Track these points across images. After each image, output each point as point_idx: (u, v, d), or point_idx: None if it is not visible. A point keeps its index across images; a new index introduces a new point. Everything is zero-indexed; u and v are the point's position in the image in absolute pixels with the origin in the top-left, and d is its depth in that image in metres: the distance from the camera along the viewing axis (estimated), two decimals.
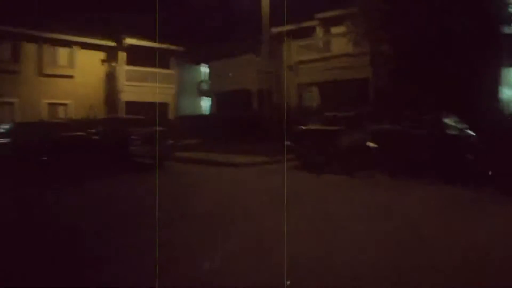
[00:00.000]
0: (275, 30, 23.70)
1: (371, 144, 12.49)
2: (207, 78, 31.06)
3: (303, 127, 14.30)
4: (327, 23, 22.21)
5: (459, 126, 12.19)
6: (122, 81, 24.89)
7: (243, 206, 8.61)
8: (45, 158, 12.26)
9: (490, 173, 10.34)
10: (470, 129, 11.89)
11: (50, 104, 23.80)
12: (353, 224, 7.12)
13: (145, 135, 14.33)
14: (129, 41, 25.12)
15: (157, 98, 26.40)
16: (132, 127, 14.58)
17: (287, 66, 24.42)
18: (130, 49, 25.30)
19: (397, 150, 11.93)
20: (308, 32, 22.49)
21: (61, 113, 24.15)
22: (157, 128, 15.14)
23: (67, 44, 24.19)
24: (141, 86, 25.60)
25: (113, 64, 25.56)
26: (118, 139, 14.09)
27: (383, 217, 7.66)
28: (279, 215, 7.24)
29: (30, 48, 23.21)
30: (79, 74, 24.51)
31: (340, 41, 20.77)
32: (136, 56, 25.43)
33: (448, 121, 12.43)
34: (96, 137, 14.54)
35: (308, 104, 22.89)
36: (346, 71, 20.02)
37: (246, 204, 8.83)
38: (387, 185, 10.98)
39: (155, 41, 26.07)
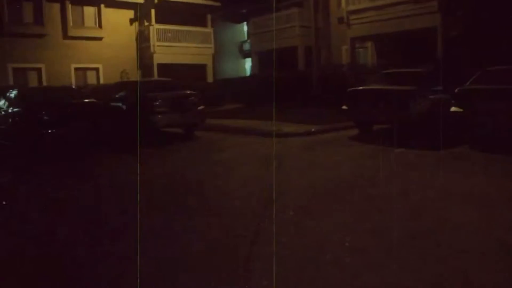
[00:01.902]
0: None
1: (455, 109, 9.54)
2: None
3: (362, 88, 11.38)
4: None
5: None
6: (154, 42, 22.40)
7: (297, 191, 6.07)
8: (51, 131, 9.99)
9: None
10: None
11: (78, 69, 21.74)
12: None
13: (171, 100, 11.86)
14: None
15: (193, 60, 23.89)
16: (156, 91, 12.10)
17: (337, 18, 21.25)
18: (161, 6, 22.67)
19: (493, 116, 8.95)
20: None
21: (90, 78, 22.10)
22: (186, 92, 12.68)
23: (93, 2, 21.84)
24: (175, 46, 23.04)
25: (144, 23, 23.08)
26: (137, 105, 11.69)
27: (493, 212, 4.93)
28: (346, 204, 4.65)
29: (53, 9, 21.04)
30: (108, 35, 22.22)
31: None
32: (168, 14, 22.81)
33: None
34: (114, 104, 12.23)
35: (363, 61, 19.81)
36: (408, 20, 16.72)
37: (302, 189, 6.27)
38: (482, 163, 8.09)
39: None
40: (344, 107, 11.40)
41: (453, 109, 9.56)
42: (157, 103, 11.63)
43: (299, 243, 4.45)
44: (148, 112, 11.54)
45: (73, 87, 13.05)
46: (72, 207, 6.21)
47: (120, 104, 12.41)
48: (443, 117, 10.13)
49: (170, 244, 4.51)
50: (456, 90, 9.69)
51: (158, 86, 12.76)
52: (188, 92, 12.65)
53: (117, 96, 12.78)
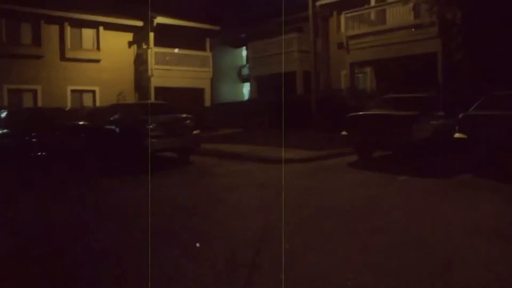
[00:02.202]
0: (320, 3, 20.32)
1: (459, 135, 9.16)
2: None
3: (362, 113, 11.01)
4: None
5: None
6: (151, 65, 22.14)
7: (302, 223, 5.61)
8: (40, 153, 9.56)
9: None
10: None
11: (75, 91, 21.42)
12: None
13: (165, 124, 11.48)
14: (159, 20, 22.30)
15: (191, 83, 23.62)
16: (150, 114, 11.71)
17: (336, 43, 21.06)
18: (160, 29, 22.50)
19: (499, 143, 8.56)
20: (358, 3, 18.94)
21: (87, 100, 21.77)
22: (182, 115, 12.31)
23: (91, 25, 21.67)
24: (173, 70, 22.78)
25: (142, 46, 22.88)
26: (129, 129, 11.32)
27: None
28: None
29: (51, 30, 20.85)
30: (105, 58, 21.99)
31: (396, 10, 17.26)
32: (167, 37, 22.63)
33: None
34: (107, 127, 11.83)
35: (363, 86, 19.53)
36: (408, 45, 16.49)
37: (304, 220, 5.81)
38: (489, 192, 7.66)
39: (187, 20, 23.34)
40: (343, 132, 11.02)
41: (457, 135, 9.19)
42: (151, 126, 11.23)
43: (295, 281, 3.99)
44: (141, 135, 11.17)
45: (66, 109, 12.61)
46: (52, 235, 5.74)
47: (113, 127, 12.02)
48: (446, 144, 9.76)
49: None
50: (460, 116, 9.33)
51: (152, 109, 12.35)
52: (183, 115, 12.28)
53: (110, 119, 12.41)
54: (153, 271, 4.20)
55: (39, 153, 9.35)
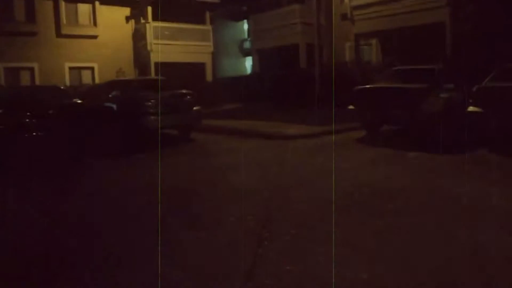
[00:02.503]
0: None
1: (474, 109, 8.66)
2: None
3: (369, 86, 10.48)
4: None
5: None
6: (150, 40, 21.50)
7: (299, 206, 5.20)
8: (35, 134, 9.11)
9: None
10: None
11: (73, 68, 20.86)
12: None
13: (164, 100, 10.99)
14: None
15: (191, 58, 23.00)
16: (149, 91, 11.24)
17: (340, 14, 20.37)
18: (158, 3, 21.76)
19: None
20: None
21: (86, 77, 21.21)
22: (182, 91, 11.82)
23: None
24: (172, 44, 22.13)
25: (140, 20, 22.19)
26: (126, 106, 10.85)
27: None
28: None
29: (46, 6, 20.15)
30: (103, 33, 21.31)
31: None
32: (166, 11, 21.91)
33: None
34: (104, 105, 11.35)
35: (368, 59, 18.90)
36: (415, 15, 15.85)
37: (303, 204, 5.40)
38: (507, 169, 7.21)
39: None
40: (350, 107, 10.53)
41: (471, 109, 8.69)
42: (149, 103, 10.77)
43: (297, 271, 3.58)
44: (139, 113, 10.72)
45: (61, 87, 12.08)
46: (48, 223, 5.35)
47: (110, 104, 11.53)
48: (458, 117, 9.29)
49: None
50: (474, 89, 8.81)
51: (150, 85, 11.88)
52: (183, 91, 11.79)
53: (107, 96, 11.93)
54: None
55: (33, 134, 8.87)
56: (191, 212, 5.43)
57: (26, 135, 9.18)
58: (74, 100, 10.60)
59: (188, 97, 11.57)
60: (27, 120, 9.12)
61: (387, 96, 9.83)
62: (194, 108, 11.52)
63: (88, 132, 9.41)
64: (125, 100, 11.24)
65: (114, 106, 11.42)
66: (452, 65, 11.94)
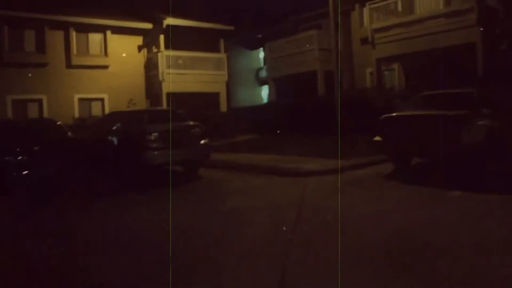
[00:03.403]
0: None
1: None
2: None
3: (398, 114, 9.14)
4: None
5: None
6: (162, 69, 20.56)
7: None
8: (16, 174, 7.98)
9: None
10: None
11: (82, 100, 19.99)
12: None
13: (168, 133, 9.81)
14: (169, 21, 20.72)
15: (205, 88, 21.96)
16: (151, 123, 10.09)
17: (360, 39, 19.20)
18: (171, 31, 20.91)
19: None
20: None
21: (96, 109, 20.30)
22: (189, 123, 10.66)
23: (98, 29, 20.19)
24: (185, 74, 21.16)
25: (152, 49, 21.35)
26: (126, 140, 9.71)
27: None
28: None
29: (56, 36, 19.46)
30: (114, 63, 20.49)
31: None
32: (179, 40, 21.05)
33: None
34: (105, 139, 10.23)
35: (390, 85, 17.59)
36: (441, 36, 14.54)
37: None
38: None
39: (199, 21, 21.75)
40: (376, 138, 9.18)
41: None
42: (151, 137, 9.60)
43: None
44: (140, 147, 9.55)
45: (56, 121, 10.99)
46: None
47: (110, 138, 10.40)
48: (503, 148, 7.89)
49: None
50: None
51: (154, 116, 10.73)
52: (190, 123, 10.62)
53: (108, 129, 10.80)
54: None
55: (14, 174, 7.74)
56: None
57: (13, 174, 8.06)
58: (68, 134, 9.46)
59: (196, 129, 10.37)
60: (10, 158, 8.01)
61: (419, 125, 8.49)
62: (202, 141, 10.30)
63: (77, 170, 8.24)
64: (125, 133, 10.08)
65: (115, 140, 10.30)
66: (487, 89, 10.53)
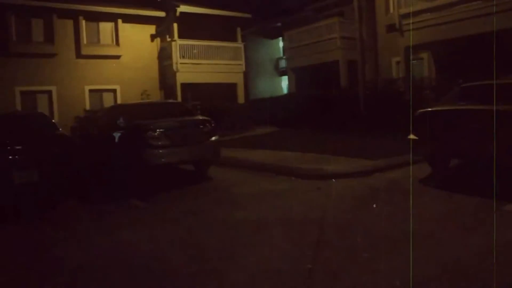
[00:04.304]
0: None
1: None
2: None
3: (438, 109, 7.76)
4: None
5: None
6: (177, 59, 19.38)
7: None
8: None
9: None
10: None
11: (93, 91, 18.98)
12: None
13: (174, 129, 8.64)
14: (183, 9, 19.50)
15: (221, 78, 20.72)
16: (155, 117, 8.90)
17: (385, 26, 17.68)
18: (185, 19, 19.69)
19: None
20: None
21: (107, 100, 19.25)
22: (197, 117, 9.46)
23: (109, 18, 19.10)
24: (200, 64, 19.94)
25: (166, 39, 20.17)
26: (126, 137, 8.56)
27: None
28: None
29: (65, 26, 18.44)
30: (126, 53, 19.42)
31: None
32: (193, 28, 19.84)
33: None
34: (104, 135, 9.12)
35: (419, 76, 16.05)
36: (479, 21, 12.98)
37: None
38: None
39: (214, 8, 20.48)
40: (411, 136, 7.82)
41: None
42: (154, 133, 8.41)
43: None
44: (141, 145, 8.39)
45: (46, 115, 9.92)
46: None
47: (112, 135, 9.26)
48: None
49: None
50: None
51: (160, 110, 9.55)
52: (199, 118, 9.42)
53: (110, 124, 9.66)
54: None
55: None
56: None
57: None
58: (59, 131, 8.32)
59: (205, 124, 9.14)
60: None
61: (464, 121, 7.10)
62: (212, 138, 9.06)
63: (67, 174, 7.11)
64: (126, 129, 8.92)
65: (116, 137, 9.16)
66: None
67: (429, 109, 7.80)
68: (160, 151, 8.43)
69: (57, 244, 5.42)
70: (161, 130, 8.49)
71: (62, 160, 7.26)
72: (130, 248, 5.09)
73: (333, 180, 8.08)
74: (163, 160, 8.44)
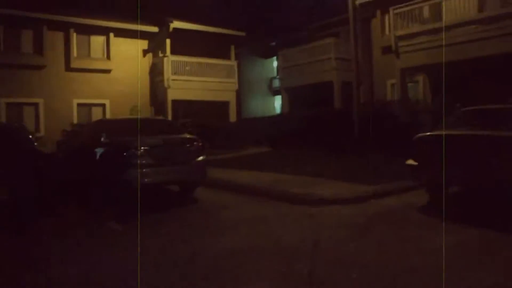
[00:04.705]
0: (360, 1, 16.75)
1: None
2: None
3: (439, 133, 7.28)
4: None
5: None
6: (168, 75, 18.93)
7: None
8: None
9: None
10: None
11: (82, 105, 18.43)
12: None
13: (158, 148, 8.10)
14: (176, 24, 19.13)
15: (213, 96, 20.26)
16: (140, 136, 8.33)
17: (380, 48, 17.41)
18: (178, 35, 19.30)
19: None
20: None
21: (96, 115, 18.69)
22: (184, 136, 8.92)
23: (101, 31, 18.69)
24: (192, 81, 19.48)
25: (158, 54, 19.75)
26: (108, 156, 8.00)
27: None
28: None
29: (55, 37, 17.98)
30: (117, 67, 18.98)
31: (456, 3, 13.52)
32: (186, 44, 19.44)
33: None
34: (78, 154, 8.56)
35: (413, 98, 15.69)
36: (477, 45, 12.70)
37: None
38: None
39: (208, 25, 20.13)
40: (410, 161, 7.35)
41: None
42: (137, 151, 7.86)
43: None
44: (123, 164, 7.83)
45: (25, 126, 9.38)
46: None
47: (92, 151, 8.68)
48: None
49: None
50: None
51: (145, 127, 9.00)
52: (186, 136, 8.88)
53: (93, 141, 9.08)
54: None
55: None
56: None
57: None
58: (34, 146, 7.74)
59: (192, 143, 8.60)
60: None
61: (467, 147, 6.63)
62: (199, 158, 8.52)
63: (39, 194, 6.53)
64: (108, 146, 8.36)
65: (98, 155, 8.58)
66: None
67: (429, 133, 7.35)
68: (143, 170, 7.88)
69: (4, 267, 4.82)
70: (145, 148, 7.95)
71: (35, 177, 6.67)
72: (85, 278, 4.50)
73: (326, 206, 7.55)
74: (146, 180, 7.85)
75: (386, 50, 16.39)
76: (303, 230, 6.24)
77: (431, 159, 6.99)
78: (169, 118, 18.86)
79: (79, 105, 18.31)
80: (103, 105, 18.84)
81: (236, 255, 5.16)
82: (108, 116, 18.58)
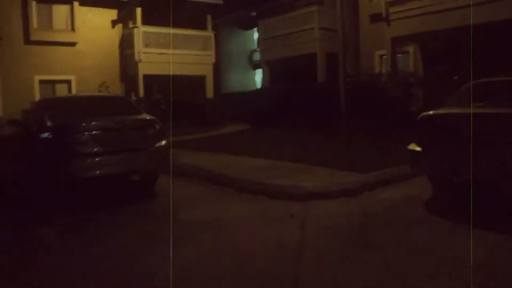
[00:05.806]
0: None
1: None
2: None
3: (448, 112, 5.84)
4: None
5: None
6: (139, 48, 17.17)
7: None
8: None
9: None
10: None
11: (44, 82, 16.59)
12: None
13: (109, 132, 6.57)
14: None
15: (188, 70, 18.56)
16: (87, 116, 6.76)
17: (368, 16, 15.84)
18: (150, 4, 17.42)
19: None
20: None
21: (61, 92, 16.88)
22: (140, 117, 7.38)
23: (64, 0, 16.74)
24: (165, 53, 17.71)
25: (128, 25, 17.90)
26: (57, 137, 6.46)
27: None
28: None
29: (12, 6, 15.98)
30: (83, 40, 17.08)
31: None
32: (158, 13, 17.58)
33: None
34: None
35: (405, 70, 14.24)
36: (478, 10, 11.22)
37: None
38: None
39: None
40: (412, 146, 5.93)
41: None
42: (82, 137, 6.32)
43: None
44: (66, 151, 6.30)
45: None
46: None
47: (35, 137, 7.09)
48: None
49: None
50: None
51: (95, 106, 7.42)
52: (143, 118, 7.32)
53: (38, 124, 7.48)
54: None
55: None
56: None
57: None
58: None
59: (150, 126, 7.05)
60: None
61: (491, 129, 5.22)
62: (159, 144, 6.99)
63: None
64: (51, 130, 6.78)
65: (41, 140, 6.99)
66: None
67: (437, 111, 5.90)
68: (88, 160, 6.36)
69: None
70: (90, 132, 6.41)
71: None
72: None
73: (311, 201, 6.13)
74: (91, 172, 6.35)
75: (375, 18, 14.85)
76: (282, 236, 4.80)
77: (441, 144, 5.57)
78: (141, 94, 17.22)
79: (41, 82, 16.45)
80: (69, 82, 17.00)
81: (194, 276, 3.72)
82: (74, 92, 16.80)
